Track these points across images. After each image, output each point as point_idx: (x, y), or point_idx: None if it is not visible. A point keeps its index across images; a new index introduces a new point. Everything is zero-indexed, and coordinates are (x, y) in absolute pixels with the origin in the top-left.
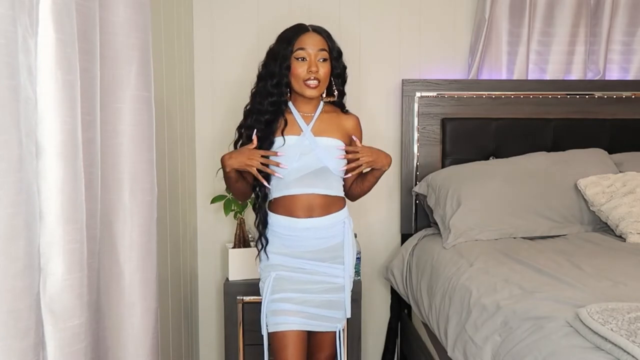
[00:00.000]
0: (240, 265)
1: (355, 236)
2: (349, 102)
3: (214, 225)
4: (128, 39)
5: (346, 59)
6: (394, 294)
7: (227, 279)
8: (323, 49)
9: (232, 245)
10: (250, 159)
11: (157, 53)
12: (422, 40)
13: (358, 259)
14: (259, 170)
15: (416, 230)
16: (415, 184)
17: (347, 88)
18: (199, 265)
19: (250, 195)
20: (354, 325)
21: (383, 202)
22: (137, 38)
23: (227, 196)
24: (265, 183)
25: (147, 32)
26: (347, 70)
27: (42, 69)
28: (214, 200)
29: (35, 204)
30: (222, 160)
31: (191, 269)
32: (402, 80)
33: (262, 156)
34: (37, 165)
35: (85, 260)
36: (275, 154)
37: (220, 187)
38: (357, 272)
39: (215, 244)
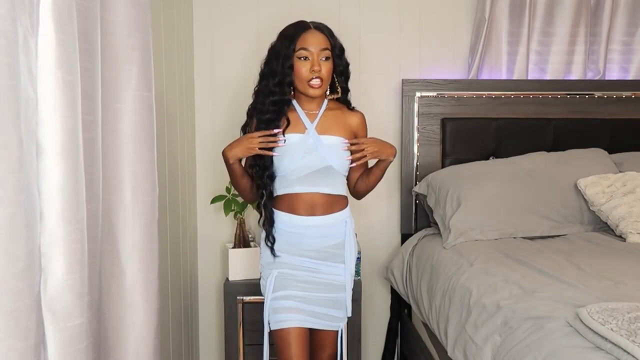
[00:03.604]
0: (240, 265)
1: (356, 236)
2: None
3: (214, 225)
4: (128, 39)
5: (346, 58)
6: (394, 294)
7: (227, 279)
8: (325, 48)
9: (232, 245)
10: (250, 141)
11: (157, 53)
12: (422, 40)
13: (358, 258)
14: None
15: (416, 230)
16: (415, 184)
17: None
18: (199, 265)
19: (257, 197)
20: (354, 325)
21: (383, 202)
22: (138, 38)
23: (227, 196)
24: (271, 153)
25: (148, 32)
26: (349, 68)
27: (42, 69)
28: (214, 200)
29: (36, 204)
30: (224, 153)
31: (191, 269)
32: (402, 80)
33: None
34: (38, 166)
35: (85, 260)
36: (271, 131)
37: (220, 187)
38: (357, 272)
39: (215, 244)
